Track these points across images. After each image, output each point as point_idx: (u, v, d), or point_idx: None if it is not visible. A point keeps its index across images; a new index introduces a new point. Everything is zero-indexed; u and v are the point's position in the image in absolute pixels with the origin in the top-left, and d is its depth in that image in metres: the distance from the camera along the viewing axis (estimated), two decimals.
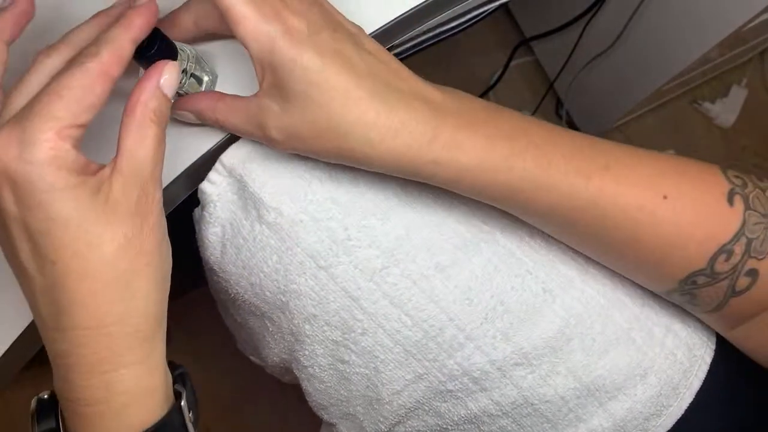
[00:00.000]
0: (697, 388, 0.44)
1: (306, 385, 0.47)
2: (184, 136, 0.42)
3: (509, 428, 0.44)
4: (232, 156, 0.41)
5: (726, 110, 1.28)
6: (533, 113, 1.24)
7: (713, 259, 0.38)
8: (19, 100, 0.33)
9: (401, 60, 0.39)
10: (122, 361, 0.33)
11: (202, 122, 0.40)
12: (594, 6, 0.98)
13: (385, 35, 0.44)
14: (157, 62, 0.34)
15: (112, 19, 0.35)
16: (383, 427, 0.47)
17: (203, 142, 0.42)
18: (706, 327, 0.46)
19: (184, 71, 0.39)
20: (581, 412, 0.43)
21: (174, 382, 0.37)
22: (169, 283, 0.36)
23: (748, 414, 0.46)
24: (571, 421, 0.44)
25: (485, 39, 1.27)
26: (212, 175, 0.42)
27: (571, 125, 1.24)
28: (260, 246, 0.41)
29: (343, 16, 0.38)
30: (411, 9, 0.44)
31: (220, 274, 0.45)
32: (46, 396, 0.36)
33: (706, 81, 1.28)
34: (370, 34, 0.43)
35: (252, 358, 0.55)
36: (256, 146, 0.41)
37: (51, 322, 0.33)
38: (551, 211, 0.38)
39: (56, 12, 0.42)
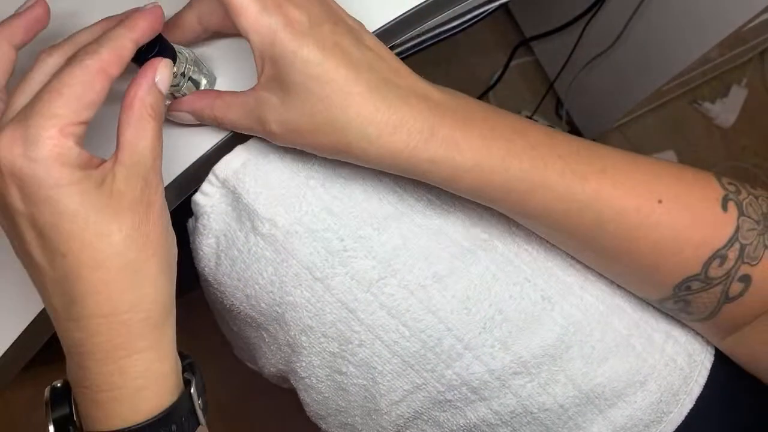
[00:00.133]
0: (698, 394, 0.44)
1: (303, 396, 0.47)
2: (173, 142, 0.42)
3: None
4: (225, 167, 0.41)
5: (726, 110, 1.28)
6: (533, 113, 1.24)
7: (707, 264, 0.38)
8: (22, 99, 0.33)
9: (402, 59, 0.39)
10: (135, 347, 0.34)
11: (201, 122, 0.40)
12: (594, 6, 0.98)
13: (385, 35, 0.44)
14: (152, 59, 0.35)
15: (116, 23, 0.36)
16: None
17: (192, 150, 0.42)
18: None
19: (182, 74, 0.39)
20: (581, 420, 0.43)
21: (183, 371, 0.37)
22: (175, 271, 0.36)
23: (748, 419, 0.46)
24: (570, 429, 0.44)
25: (485, 39, 1.27)
26: (205, 186, 0.42)
27: (571, 125, 1.24)
28: (255, 258, 0.41)
29: (344, 11, 0.38)
30: (411, 9, 0.44)
31: (215, 286, 0.44)
32: (59, 384, 0.37)
33: (706, 81, 1.28)
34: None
35: (249, 364, 0.55)
36: (249, 157, 0.41)
37: (64, 312, 0.33)
38: (547, 213, 0.38)
39: (72, 19, 0.42)
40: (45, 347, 0.44)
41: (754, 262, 0.38)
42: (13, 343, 0.41)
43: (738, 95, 1.29)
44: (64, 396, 0.36)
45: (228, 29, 0.40)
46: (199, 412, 0.37)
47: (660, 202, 0.38)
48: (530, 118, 1.24)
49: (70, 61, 0.33)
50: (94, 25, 0.37)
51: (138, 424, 0.33)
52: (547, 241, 0.44)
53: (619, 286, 0.44)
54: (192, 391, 0.37)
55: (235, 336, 0.50)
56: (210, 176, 0.42)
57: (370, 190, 0.41)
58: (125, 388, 0.34)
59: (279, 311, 0.42)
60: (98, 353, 0.33)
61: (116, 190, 0.33)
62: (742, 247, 0.38)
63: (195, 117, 0.40)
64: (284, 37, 0.34)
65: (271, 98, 0.36)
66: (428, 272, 0.41)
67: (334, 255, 0.40)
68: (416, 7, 0.44)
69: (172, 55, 0.37)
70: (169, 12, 0.41)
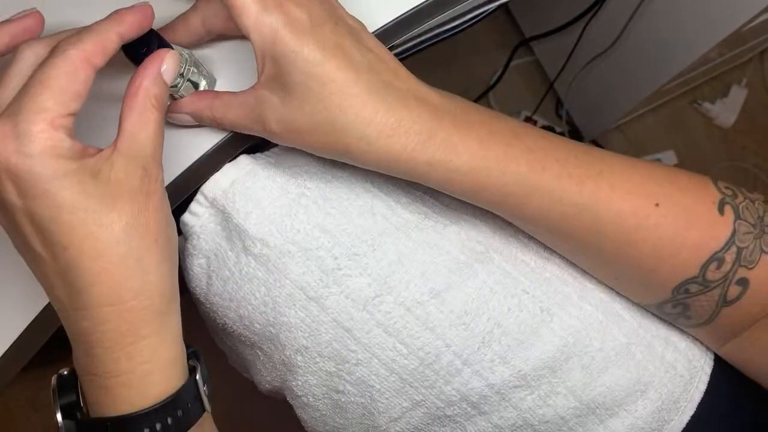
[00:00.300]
0: (698, 401, 0.44)
1: (301, 413, 0.46)
2: (173, 144, 0.42)
3: None
4: (214, 187, 0.41)
5: (726, 110, 1.28)
6: (533, 113, 1.24)
7: (705, 266, 0.38)
8: (6, 93, 0.33)
9: (401, 60, 0.39)
10: (141, 333, 0.34)
11: (200, 123, 0.40)
12: (594, 6, 0.98)
13: (386, 35, 0.44)
14: (158, 51, 0.35)
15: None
16: None
17: (191, 152, 0.42)
18: None
19: (182, 75, 0.39)
20: (581, 431, 0.43)
21: (188, 359, 0.38)
22: (177, 260, 0.36)
23: (750, 424, 0.46)
24: None
25: (485, 39, 1.27)
26: (194, 206, 0.42)
27: (571, 125, 1.24)
28: (247, 278, 0.41)
29: (345, 11, 0.38)
30: (411, 9, 0.44)
31: (207, 306, 0.44)
32: (65, 372, 0.37)
33: (706, 81, 1.28)
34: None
35: (245, 375, 0.54)
36: (238, 176, 0.41)
37: (70, 302, 0.34)
38: (545, 216, 0.38)
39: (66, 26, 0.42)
40: (45, 347, 0.44)
41: (751, 266, 0.38)
42: (13, 343, 0.41)
43: (738, 95, 1.29)
44: (70, 384, 0.37)
45: (231, 31, 0.40)
46: (205, 399, 0.37)
47: (657, 204, 0.38)
48: (530, 118, 1.24)
49: (53, 52, 0.32)
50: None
51: (145, 409, 0.34)
52: (544, 251, 0.44)
53: (617, 294, 0.44)
54: (197, 377, 0.37)
55: (229, 350, 0.49)
56: (198, 196, 0.42)
57: (364, 206, 0.41)
58: (133, 374, 0.34)
59: (273, 331, 0.42)
60: (106, 341, 0.33)
61: (114, 179, 0.33)
62: (739, 251, 0.38)
63: (194, 118, 0.40)
64: (285, 36, 0.34)
65: (271, 97, 0.36)
66: (425, 288, 0.40)
67: (329, 274, 0.40)
68: (416, 7, 0.44)
69: None
70: (173, 14, 0.41)
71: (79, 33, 0.33)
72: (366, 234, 0.40)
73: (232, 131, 0.41)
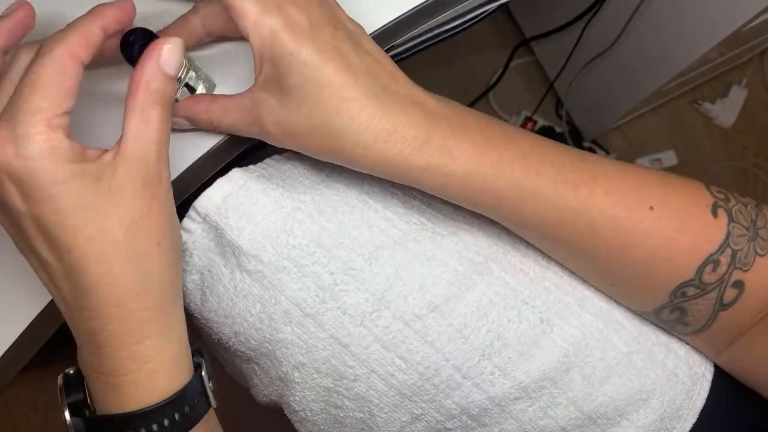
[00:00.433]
0: (700, 408, 0.44)
1: (299, 427, 0.46)
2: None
3: None
4: (206, 202, 0.40)
5: (726, 110, 1.28)
6: (533, 113, 1.24)
7: (701, 269, 0.38)
8: (2, 97, 0.33)
9: (402, 60, 0.39)
10: (145, 333, 0.34)
11: (196, 127, 0.40)
12: (594, 6, 0.98)
13: (385, 35, 0.44)
14: (157, 40, 0.34)
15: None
16: None
17: (190, 153, 0.41)
18: None
19: (178, 79, 0.38)
20: None
21: (193, 355, 0.38)
22: (181, 260, 0.37)
23: (753, 429, 0.46)
24: None
25: (485, 39, 1.27)
26: (186, 222, 0.41)
27: (571, 125, 1.24)
28: (242, 295, 0.40)
29: (345, 14, 0.38)
30: (411, 9, 0.44)
31: (202, 321, 0.44)
32: (71, 371, 0.37)
33: (706, 81, 1.28)
34: (371, 34, 0.43)
35: (243, 385, 0.54)
36: (231, 191, 0.40)
37: (76, 303, 0.34)
38: (540, 221, 0.38)
39: (59, 19, 0.42)
40: (45, 347, 0.44)
41: (746, 268, 0.39)
42: (13, 343, 0.41)
43: (738, 95, 1.29)
44: (77, 382, 0.37)
45: (231, 33, 0.40)
46: (210, 394, 0.37)
47: (651, 208, 0.38)
48: (530, 118, 1.24)
49: (39, 52, 0.32)
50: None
51: (152, 406, 0.34)
52: (543, 260, 0.43)
53: (617, 302, 0.44)
54: (203, 373, 0.37)
55: (225, 362, 0.49)
56: (190, 212, 0.41)
57: (360, 218, 0.41)
58: (139, 372, 0.34)
59: (269, 348, 0.41)
60: (113, 340, 0.34)
61: (116, 183, 0.32)
62: (734, 253, 0.38)
63: (190, 122, 0.40)
64: (284, 38, 0.34)
65: (268, 99, 0.36)
66: (423, 302, 0.40)
67: (325, 290, 0.39)
68: (416, 7, 0.44)
69: None
70: (173, 15, 0.41)
71: (62, 30, 0.33)
72: (362, 248, 0.40)
73: (228, 135, 0.41)
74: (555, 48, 1.15)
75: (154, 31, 0.37)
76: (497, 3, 0.56)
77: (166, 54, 0.34)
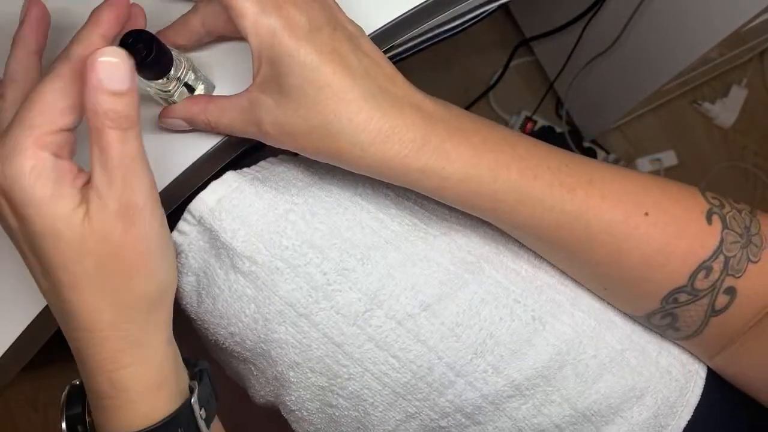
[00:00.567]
0: (695, 404, 0.44)
1: (296, 427, 0.46)
2: (169, 148, 0.42)
3: None
4: (201, 205, 0.40)
5: (726, 110, 1.28)
6: (533, 113, 1.24)
7: (693, 275, 0.39)
8: (9, 114, 0.33)
9: (401, 60, 0.39)
10: (120, 362, 0.34)
11: (194, 128, 0.40)
12: (594, 6, 0.98)
13: (385, 35, 0.44)
14: (92, 53, 0.30)
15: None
16: None
17: (188, 155, 0.42)
18: None
19: (178, 79, 0.38)
20: None
21: (193, 378, 0.38)
22: (170, 287, 0.36)
23: (747, 428, 0.46)
24: None
25: (485, 39, 1.27)
26: (181, 225, 0.41)
27: (571, 125, 1.24)
28: (237, 296, 0.40)
29: (345, 15, 0.38)
30: (411, 9, 0.44)
31: (199, 323, 0.44)
32: (78, 383, 0.38)
33: (706, 81, 1.28)
34: (371, 35, 0.43)
35: (242, 386, 0.54)
36: (225, 193, 0.40)
37: (61, 323, 0.34)
38: (536, 224, 0.38)
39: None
40: (45, 347, 0.44)
41: (738, 275, 0.39)
42: (13, 343, 0.41)
43: (738, 95, 1.29)
44: (79, 395, 0.37)
45: (231, 32, 0.40)
46: (200, 422, 0.37)
47: (647, 214, 0.38)
48: (530, 118, 1.24)
49: (48, 70, 0.33)
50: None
51: None
52: (536, 260, 0.44)
53: None
54: (193, 400, 0.37)
55: (223, 363, 0.49)
56: (185, 214, 0.41)
57: (352, 219, 0.41)
58: (118, 399, 0.34)
59: (264, 348, 0.41)
60: (91, 364, 0.34)
61: (91, 212, 0.32)
62: (727, 260, 0.39)
63: (188, 123, 0.40)
64: (283, 38, 0.34)
65: (266, 99, 0.36)
66: (415, 301, 0.40)
67: (318, 290, 0.40)
68: (416, 7, 0.44)
69: (169, 60, 0.37)
70: (173, 15, 0.41)
71: (66, 48, 0.33)
72: (355, 248, 0.40)
73: (226, 136, 0.41)
74: (555, 48, 1.15)
75: (154, 32, 0.37)
76: (497, 3, 0.56)
77: (103, 71, 0.30)
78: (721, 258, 0.38)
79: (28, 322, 0.41)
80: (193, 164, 0.41)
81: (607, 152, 1.26)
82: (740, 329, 0.41)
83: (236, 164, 0.44)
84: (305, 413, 0.44)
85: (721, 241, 0.39)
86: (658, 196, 0.39)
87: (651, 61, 0.97)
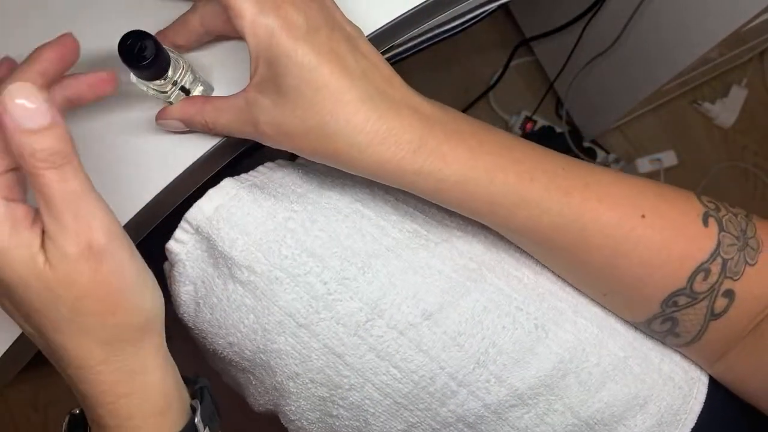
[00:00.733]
0: (698, 412, 0.44)
1: None
2: (166, 150, 0.42)
3: None
4: (198, 213, 0.40)
5: (726, 110, 1.28)
6: (533, 113, 1.24)
7: (692, 278, 0.39)
8: None
9: (401, 59, 0.39)
10: (119, 392, 0.34)
11: (191, 129, 0.40)
12: (594, 6, 0.98)
13: (385, 35, 0.44)
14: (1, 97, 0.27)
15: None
16: None
17: (186, 155, 0.41)
18: None
19: (174, 82, 0.38)
20: None
21: (194, 396, 0.37)
22: (155, 311, 0.35)
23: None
24: None
25: (485, 39, 1.27)
26: (178, 233, 0.41)
27: (571, 125, 1.24)
28: (235, 306, 0.40)
29: (343, 16, 0.37)
30: (411, 9, 0.44)
31: (196, 332, 0.43)
32: (77, 411, 0.38)
33: (706, 81, 1.28)
34: (370, 34, 0.43)
35: (240, 393, 0.54)
36: (222, 202, 0.40)
37: (53, 362, 0.34)
38: (532, 227, 0.38)
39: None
40: None
41: (736, 277, 0.39)
42: (13, 343, 0.41)
43: (738, 95, 1.28)
44: (81, 424, 0.37)
45: (231, 32, 0.40)
46: None
47: (643, 216, 0.38)
48: (530, 118, 1.24)
49: None
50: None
51: None
52: (537, 267, 0.43)
53: None
54: (196, 420, 0.36)
55: (221, 371, 0.49)
56: (183, 223, 0.41)
57: (352, 227, 0.40)
58: (122, 428, 0.34)
59: (264, 358, 0.41)
60: (89, 398, 0.34)
61: (51, 260, 0.30)
62: (724, 262, 0.39)
63: (185, 124, 0.39)
64: (281, 39, 0.34)
65: (263, 100, 0.36)
66: (417, 310, 0.40)
67: (318, 299, 0.39)
68: (416, 7, 0.44)
69: (167, 62, 0.37)
70: (174, 16, 0.41)
71: (3, 84, 0.31)
72: (355, 257, 0.40)
73: (223, 137, 0.41)
74: (555, 48, 1.15)
75: (153, 33, 0.37)
76: (497, 3, 0.56)
77: (16, 111, 0.27)
78: (719, 260, 0.38)
79: None
80: (191, 166, 0.41)
81: (607, 152, 1.26)
82: (739, 334, 0.41)
83: (234, 165, 0.44)
84: (305, 423, 0.44)
85: (718, 243, 0.39)
86: (654, 199, 0.39)
87: (651, 61, 0.97)
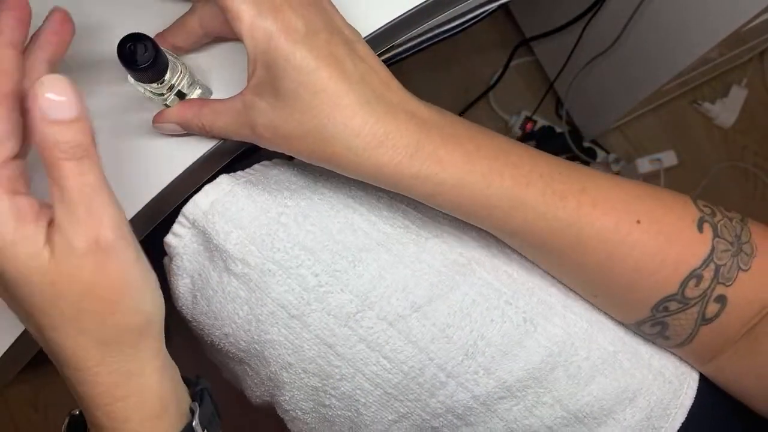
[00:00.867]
0: (689, 407, 0.44)
1: (291, 426, 0.47)
2: (162, 152, 0.42)
3: None
4: (194, 208, 0.41)
5: (726, 110, 1.28)
6: (533, 113, 1.24)
7: (684, 284, 0.39)
8: None
9: (401, 60, 0.39)
10: (115, 395, 0.33)
11: (188, 132, 0.40)
12: (594, 6, 0.98)
13: (385, 35, 0.44)
14: (32, 87, 0.28)
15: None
16: None
17: (185, 157, 0.41)
18: None
19: (172, 86, 0.38)
20: None
21: (193, 399, 0.37)
22: (156, 311, 0.35)
23: (743, 429, 0.46)
24: None
25: (485, 39, 1.27)
26: (176, 227, 0.42)
27: (571, 125, 1.24)
28: (230, 297, 0.41)
29: (342, 19, 0.37)
30: (411, 9, 0.44)
31: (194, 324, 0.44)
32: (77, 412, 0.38)
33: (706, 81, 1.28)
34: (370, 35, 0.43)
35: (239, 388, 0.55)
36: (218, 197, 0.40)
37: (52, 359, 0.34)
38: (528, 231, 0.38)
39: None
40: None
41: (729, 283, 0.39)
42: (13, 343, 0.41)
43: (738, 95, 1.28)
44: (80, 425, 0.37)
45: (230, 33, 0.40)
46: None
47: (638, 221, 0.38)
48: (530, 118, 1.24)
49: None
50: None
51: None
52: (527, 262, 0.44)
53: None
54: (194, 423, 0.36)
55: (220, 364, 0.50)
56: (180, 217, 0.42)
57: (344, 222, 0.41)
58: (119, 430, 0.34)
59: (258, 348, 0.42)
60: (86, 399, 0.34)
61: (56, 258, 0.30)
62: (717, 268, 0.39)
63: (182, 127, 0.40)
64: (279, 42, 0.34)
65: (260, 102, 0.36)
66: (406, 302, 0.40)
67: (310, 291, 0.40)
68: (416, 7, 0.44)
69: (165, 65, 0.37)
70: (174, 16, 0.41)
71: None
72: (346, 250, 0.40)
73: (221, 139, 0.41)
74: (555, 48, 1.15)
75: (152, 35, 0.37)
76: (497, 3, 0.56)
77: (45, 102, 0.28)
78: (712, 266, 0.39)
79: None
80: (189, 168, 0.41)
81: (607, 152, 1.26)
82: (731, 338, 0.41)
83: (232, 167, 0.44)
84: (299, 413, 0.44)
85: (712, 249, 0.39)
86: (650, 204, 0.39)
87: (651, 61, 0.97)
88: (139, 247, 0.33)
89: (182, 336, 0.42)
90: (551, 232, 0.38)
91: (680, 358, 0.45)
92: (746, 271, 0.39)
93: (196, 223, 0.41)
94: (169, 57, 0.38)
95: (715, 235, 0.39)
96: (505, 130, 1.26)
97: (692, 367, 0.45)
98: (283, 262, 0.40)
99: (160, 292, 0.35)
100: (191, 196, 0.42)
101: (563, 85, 1.18)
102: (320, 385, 0.42)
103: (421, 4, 0.44)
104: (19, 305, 0.32)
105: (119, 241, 0.31)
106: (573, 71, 1.10)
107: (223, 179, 0.41)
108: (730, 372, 0.43)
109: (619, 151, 1.27)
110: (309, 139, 0.35)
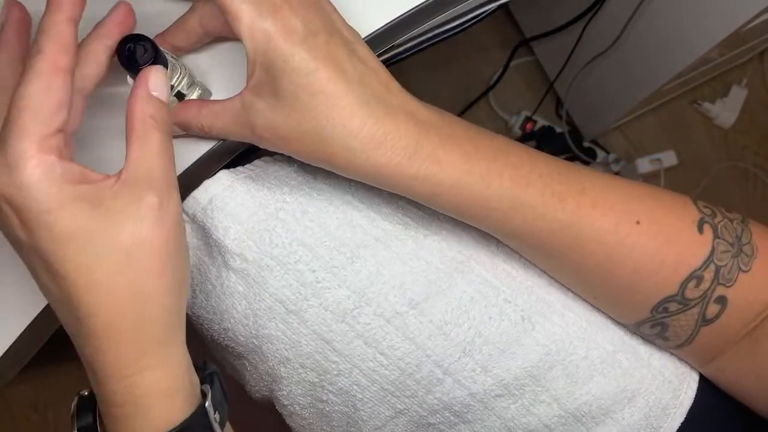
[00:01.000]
0: (688, 406, 0.44)
1: (289, 421, 0.47)
2: None
3: None
4: (194, 203, 0.41)
5: (726, 110, 1.28)
6: (533, 113, 1.24)
7: (684, 285, 0.39)
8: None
9: (401, 60, 0.39)
10: (140, 365, 0.33)
11: (187, 133, 0.40)
12: (594, 6, 0.98)
13: (385, 36, 0.44)
14: (143, 69, 0.35)
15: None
16: None
17: (185, 157, 0.41)
18: None
19: (171, 87, 0.38)
20: None
21: (203, 382, 0.37)
22: (186, 289, 0.36)
23: (743, 429, 0.46)
24: None
25: (485, 39, 1.27)
26: None
27: (571, 125, 1.24)
28: (228, 292, 0.41)
29: (342, 19, 0.37)
30: (411, 9, 0.44)
31: (194, 319, 0.44)
32: (86, 393, 0.37)
33: (706, 81, 1.28)
34: (370, 35, 0.43)
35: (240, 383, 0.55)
36: (217, 192, 0.41)
37: (73, 329, 0.34)
38: (528, 232, 0.38)
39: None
40: (45, 347, 0.44)
41: (729, 284, 0.39)
42: (13, 343, 0.41)
43: (738, 95, 1.28)
44: (89, 405, 0.37)
45: (230, 33, 0.40)
46: (215, 426, 0.36)
47: (638, 222, 0.38)
48: (530, 118, 1.24)
49: (24, 70, 0.32)
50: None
51: None
52: (526, 260, 0.43)
53: None
54: (207, 404, 0.36)
55: (222, 359, 0.50)
56: None
57: (343, 218, 0.41)
58: (134, 406, 0.34)
59: (256, 343, 0.42)
60: (107, 370, 0.33)
61: (115, 210, 0.32)
62: (718, 269, 0.39)
63: (181, 128, 0.40)
64: (278, 43, 0.34)
65: (259, 103, 0.36)
66: (404, 299, 0.40)
67: (307, 287, 0.40)
68: (416, 7, 0.44)
69: (164, 65, 0.37)
70: (174, 17, 0.41)
71: (36, 41, 0.32)
72: (344, 246, 0.40)
73: (220, 140, 0.41)
74: (555, 48, 1.15)
75: (152, 36, 0.37)
76: (497, 3, 0.56)
77: (153, 79, 0.34)
78: (712, 267, 0.39)
79: (29, 321, 0.41)
80: (189, 168, 0.41)
81: (607, 152, 1.26)
82: (731, 339, 0.41)
83: (234, 165, 0.44)
84: (297, 408, 0.45)
85: (712, 250, 0.39)
86: (649, 204, 0.39)
87: (651, 61, 0.97)
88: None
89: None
90: (550, 233, 0.38)
91: (680, 358, 0.45)
92: (747, 272, 0.39)
93: (195, 218, 0.41)
94: (169, 58, 0.38)
95: (716, 236, 0.39)
96: (505, 130, 1.26)
97: (692, 367, 0.45)
98: (281, 258, 0.40)
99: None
100: (189, 193, 0.42)
101: (563, 85, 1.18)
102: (317, 380, 0.42)
103: (421, 4, 0.44)
104: (53, 268, 0.32)
105: (179, 207, 0.34)
106: (573, 71, 1.10)
107: (223, 175, 0.42)
108: (731, 373, 0.43)
109: (619, 151, 1.27)
110: (308, 139, 0.35)
